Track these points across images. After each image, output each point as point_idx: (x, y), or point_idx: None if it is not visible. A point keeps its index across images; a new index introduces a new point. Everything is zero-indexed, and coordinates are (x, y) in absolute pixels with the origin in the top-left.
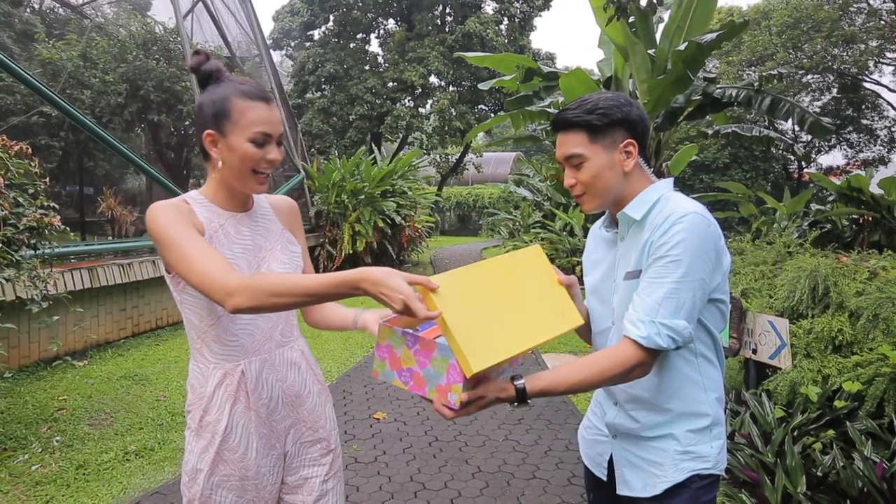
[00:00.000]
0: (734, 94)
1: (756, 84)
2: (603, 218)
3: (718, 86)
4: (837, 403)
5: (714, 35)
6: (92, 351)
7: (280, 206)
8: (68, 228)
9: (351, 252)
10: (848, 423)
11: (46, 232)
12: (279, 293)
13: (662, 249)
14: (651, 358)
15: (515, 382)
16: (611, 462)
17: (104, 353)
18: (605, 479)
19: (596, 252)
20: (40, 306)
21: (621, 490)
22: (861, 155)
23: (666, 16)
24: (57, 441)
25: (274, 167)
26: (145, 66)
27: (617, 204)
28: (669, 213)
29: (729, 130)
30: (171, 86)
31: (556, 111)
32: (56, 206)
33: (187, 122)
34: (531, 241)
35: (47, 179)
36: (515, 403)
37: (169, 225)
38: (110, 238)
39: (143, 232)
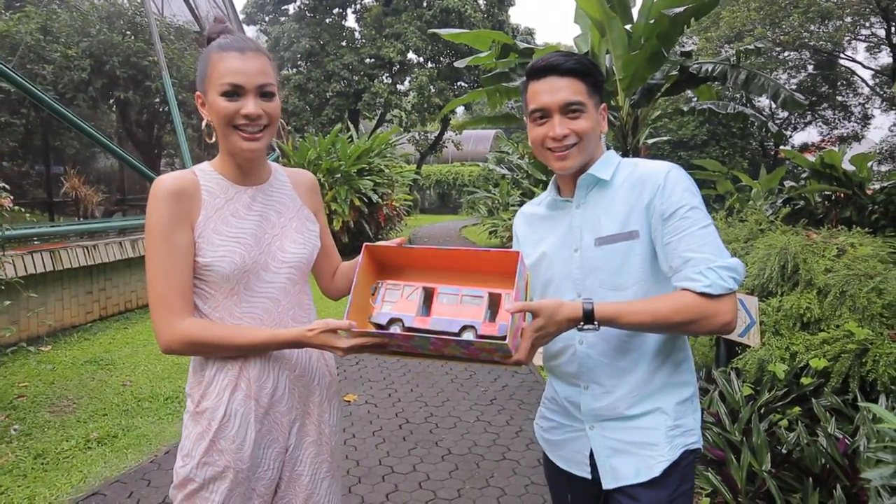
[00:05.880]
0: (710, 69)
1: (733, 59)
2: (539, 198)
3: (695, 61)
4: (804, 380)
5: (683, 9)
6: (57, 335)
7: (300, 180)
8: (23, 209)
9: None
10: (813, 400)
11: None
12: (219, 347)
13: (672, 203)
14: (724, 304)
15: (584, 303)
16: (591, 457)
17: (69, 338)
18: (589, 476)
19: (535, 231)
20: None
21: (608, 483)
22: (836, 131)
23: None
24: (15, 430)
25: (259, 122)
26: (110, 40)
27: (578, 171)
28: (651, 170)
29: (705, 107)
30: (138, 61)
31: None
32: (6, 186)
33: (157, 100)
34: (510, 219)
35: None
36: (582, 323)
37: (154, 225)
38: (76, 219)
39: (112, 213)
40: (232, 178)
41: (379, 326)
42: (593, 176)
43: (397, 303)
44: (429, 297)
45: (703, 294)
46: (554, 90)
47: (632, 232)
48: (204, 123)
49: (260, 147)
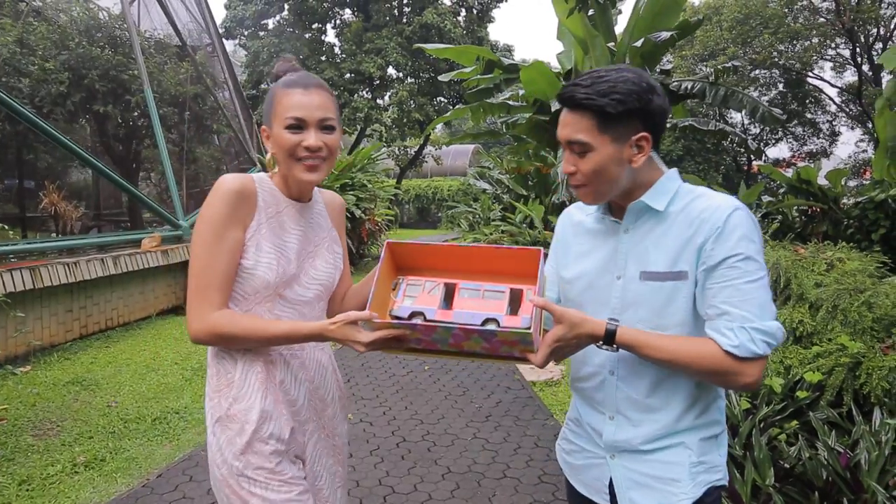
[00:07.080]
0: (690, 87)
1: (711, 77)
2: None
3: (674, 79)
4: (800, 394)
5: (668, 35)
6: (36, 355)
7: (332, 203)
8: (6, 226)
9: None
10: (811, 414)
11: None
12: (244, 339)
13: (725, 250)
14: (749, 367)
15: (608, 323)
16: (611, 485)
17: (49, 358)
18: None
19: (580, 243)
20: None
21: None
22: (805, 147)
23: (625, 8)
24: None
25: (319, 154)
26: (89, 53)
27: (625, 196)
28: (713, 208)
29: (686, 124)
30: (117, 75)
31: (519, 103)
32: None
33: (136, 114)
34: (491, 234)
35: None
36: (601, 343)
37: (210, 218)
38: (54, 235)
39: (90, 228)
40: (284, 192)
41: (400, 320)
42: (645, 204)
43: (419, 297)
44: (450, 292)
45: (728, 353)
46: (563, 124)
47: (680, 272)
48: (268, 156)
49: (319, 178)
